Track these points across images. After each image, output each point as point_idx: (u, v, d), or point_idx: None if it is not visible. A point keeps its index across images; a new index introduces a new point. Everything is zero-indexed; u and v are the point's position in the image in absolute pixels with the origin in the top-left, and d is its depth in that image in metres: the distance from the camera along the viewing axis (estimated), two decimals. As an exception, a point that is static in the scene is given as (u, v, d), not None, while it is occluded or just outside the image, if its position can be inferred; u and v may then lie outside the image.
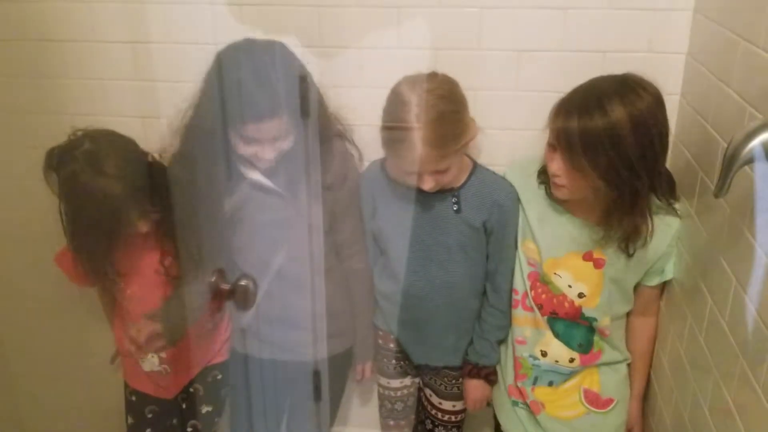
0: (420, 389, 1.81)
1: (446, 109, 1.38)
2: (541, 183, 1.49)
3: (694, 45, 1.47)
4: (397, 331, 1.69)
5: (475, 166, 1.55)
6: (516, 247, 1.55)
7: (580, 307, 1.49)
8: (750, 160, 0.89)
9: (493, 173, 1.57)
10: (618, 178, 1.28)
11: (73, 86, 1.71)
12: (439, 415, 1.76)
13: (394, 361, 1.75)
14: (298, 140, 1.44)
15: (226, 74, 1.39)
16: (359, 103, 1.58)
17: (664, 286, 1.54)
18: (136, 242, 1.58)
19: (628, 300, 1.53)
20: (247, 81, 1.36)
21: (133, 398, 1.78)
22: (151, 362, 1.70)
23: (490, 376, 1.66)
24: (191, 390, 1.77)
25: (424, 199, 1.50)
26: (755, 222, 1.09)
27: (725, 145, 0.98)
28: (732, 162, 0.90)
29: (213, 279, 1.30)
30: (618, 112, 1.25)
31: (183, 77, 1.59)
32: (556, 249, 1.48)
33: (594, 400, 1.56)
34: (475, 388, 1.68)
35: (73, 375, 2.08)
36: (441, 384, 1.72)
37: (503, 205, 1.52)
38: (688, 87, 1.49)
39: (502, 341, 1.64)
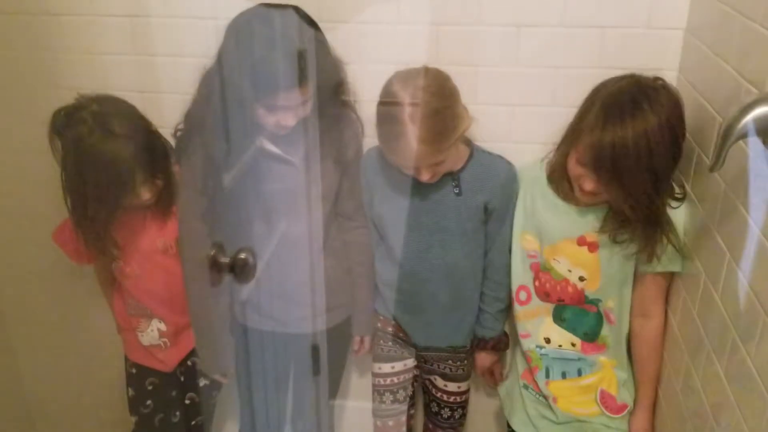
0: (422, 378, 1.82)
1: (439, 105, 1.39)
2: (553, 180, 1.50)
3: (693, 21, 1.47)
4: (400, 315, 1.70)
5: (473, 148, 1.56)
6: (512, 224, 1.57)
7: (582, 291, 1.50)
8: (744, 135, 0.90)
9: (491, 154, 1.58)
10: (645, 192, 1.31)
11: (71, 60, 1.71)
12: (445, 397, 1.79)
13: (390, 344, 1.76)
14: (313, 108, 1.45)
15: (244, 46, 1.37)
16: (359, 79, 1.59)
17: (670, 286, 1.50)
18: (138, 219, 1.59)
19: (629, 277, 1.51)
20: (271, 51, 1.36)
21: (134, 371, 1.81)
22: (151, 336, 1.72)
23: (496, 345, 1.70)
24: (189, 363, 1.79)
25: (424, 183, 1.51)
26: (749, 197, 1.10)
27: (722, 121, 0.99)
28: (727, 136, 0.92)
29: (212, 253, 1.31)
30: (650, 118, 1.26)
31: (182, 51, 1.60)
32: (551, 236, 1.50)
33: (609, 403, 1.55)
34: (482, 358, 1.74)
35: (74, 348, 2.10)
36: (445, 367, 1.74)
37: (504, 185, 1.54)
38: (685, 63, 1.50)
39: (502, 311, 1.67)
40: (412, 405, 1.86)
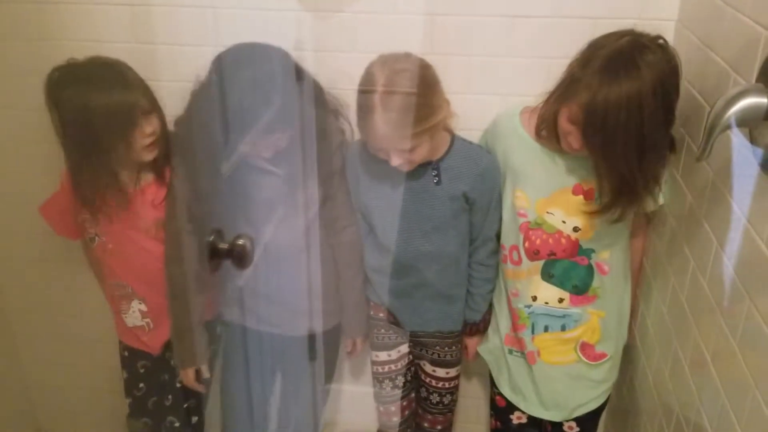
0: (413, 363, 1.84)
1: (411, 91, 1.39)
2: (542, 133, 1.48)
3: (684, 12, 1.49)
4: (389, 301, 1.72)
5: (454, 138, 1.57)
6: (500, 211, 1.59)
7: (577, 241, 1.52)
8: (729, 126, 0.93)
9: (471, 144, 1.60)
10: (626, 160, 1.30)
11: (70, 48, 1.71)
12: (433, 382, 1.80)
13: (383, 331, 1.78)
14: (295, 134, 1.48)
15: (227, 86, 1.41)
16: (354, 68, 1.60)
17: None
18: (124, 196, 1.60)
19: (624, 228, 1.54)
20: (246, 99, 1.39)
21: (126, 353, 1.84)
22: (134, 317, 1.74)
23: (486, 326, 1.73)
24: None
25: (405, 174, 1.53)
26: (734, 186, 1.13)
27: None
28: (713, 127, 0.94)
29: (211, 238, 1.33)
30: (646, 81, 1.23)
31: (182, 41, 1.61)
32: (544, 190, 1.51)
33: (588, 352, 1.61)
34: (474, 343, 1.77)
35: (73, 331, 2.11)
36: (434, 353, 1.76)
37: (484, 174, 1.55)
38: (677, 53, 1.51)
39: (490, 291, 1.69)
40: (413, 389, 1.89)
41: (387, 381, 1.83)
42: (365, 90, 1.42)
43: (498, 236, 1.62)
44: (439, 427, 1.88)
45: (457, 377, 1.82)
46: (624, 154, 1.29)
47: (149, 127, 1.54)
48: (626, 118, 1.24)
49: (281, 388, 1.81)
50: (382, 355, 1.80)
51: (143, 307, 1.73)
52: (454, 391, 1.83)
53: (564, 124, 1.37)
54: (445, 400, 1.83)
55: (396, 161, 1.45)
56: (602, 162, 1.33)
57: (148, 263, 1.67)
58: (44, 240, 1.82)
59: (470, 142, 1.60)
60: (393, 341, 1.79)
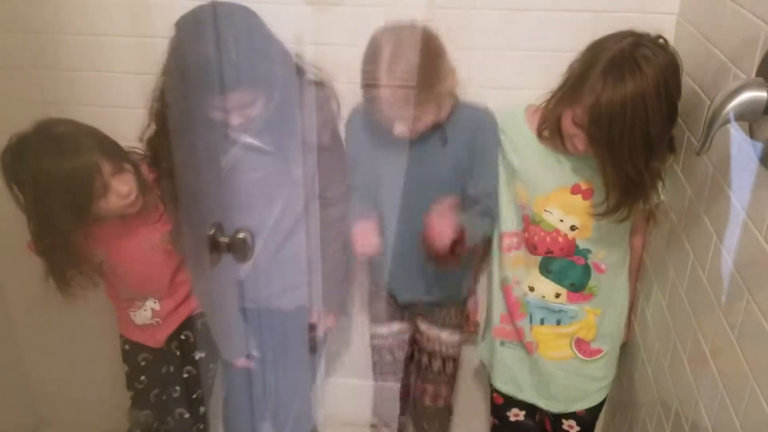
0: (412, 336, 1.84)
1: (416, 60, 1.39)
2: (544, 134, 1.48)
3: (685, 5, 1.49)
4: (390, 273, 1.71)
5: (457, 100, 1.56)
6: (497, 170, 1.59)
7: (574, 240, 1.53)
8: (729, 120, 0.93)
9: (474, 105, 1.59)
10: (632, 161, 1.30)
11: (68, 41, 1.71)
12: (435, 346, 1.79)
13: (383, 304, 1.78)
14: (281, 101, 1.45)
15: (187, 47, 1.37)
16: (354, 62, 1.60)
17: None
18: (118, 227, 1.59)
19: (621, 227, 1.54)
20: (207, 53, 1.34)
21: (127, 347, 1.84)
22: (144, 316, 1.75)
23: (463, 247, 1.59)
24: (182, 337, 1.82)
25: (411, 141, 1.52)
26: (734, 180, 1.13)
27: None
28: (713, 121, 0.94)
29: (211, 232, 1.33)
30: (649, 81, 1.24)
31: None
32: (543, 187, 1.51)
33: (583, 347, 1.62)
34: (448, 224, 1.49)
35: (73, 323, 2.12)
36: (435, 314, 1.76)
37: (483, 126, 1.56)
38: (678, 47, 1.49)
39: (489, 210, 1.63)
40: (410, 374, 1.89)
41: (386, 352, 1.83)
42: (371, 56, 1.42)
43: (497, 195, 1.61)
44: (441, 403, 1.85)
45: (458, 345, 1.80)
46: (630, 154, 1.29)
47: (125, 187, 1.49)
48: (631, 119, 1.25)
49: (279, 364, 1.80)
50: (382, 329, 1.81)
51: (156, 306, 1.74)
52: (456, 358, 1.82)
53: (568, 126, 1.38)
54: (448, 369, 1.82)
55: (399, 128, 1.45)
56: (609, 163, 1.33)
57: (160, 274, 1.69)
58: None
59: (472, 104, 1.59)
60: (392, 314, 1.80)
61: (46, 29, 1.71)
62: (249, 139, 1.51)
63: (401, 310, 1.80)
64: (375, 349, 1.86)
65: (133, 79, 1.65)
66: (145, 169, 1.58)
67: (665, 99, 1.26)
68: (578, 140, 1.37)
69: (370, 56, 1.43)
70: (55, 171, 1.41)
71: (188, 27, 1.39)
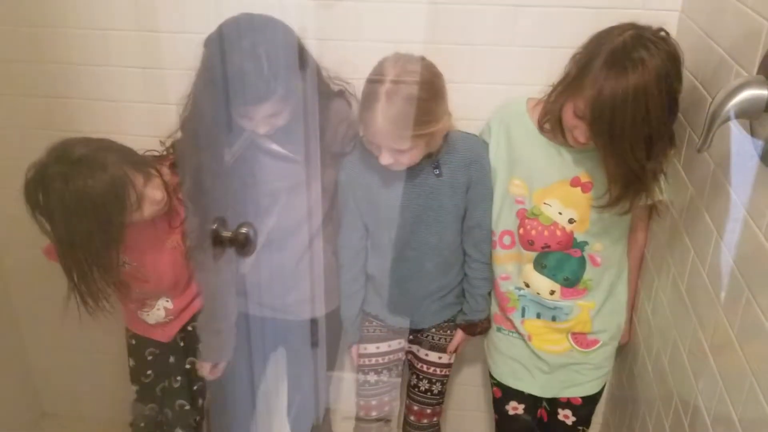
0: (405, 355, 1.84)
1: (418, 94, 1.39)
2: (545, 127, 1.49)
3: (688, 3, 1.49)
4: (386, 302, 1.72)
5: (449, 131, 1.56)
6: (491, 200, 1.60)
7: (572, 233, 1.53)
8: (729, 118, 0.93)
9: (465, 133, 1.60)
10: (634, 153, 1.30)
11: (74, 36, 1.72)
12: (424, 367, 1.79)
13: (374, 323, 1.78)
14: (300, 110, 1.47)
15: (225, 55, 1.39)
16: (357, 57, 1.60)
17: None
18: (143, 232, 1.59)
19: (619, 221, 1.55)
20: (242, 65, 1.37)
21: (133, 341, 1.84)
22: (157, 315, 1.76)
23: (483, 328, 1.73)
24: (189, 328, 1.82)
25: (406, 170, 1.53)
26: (734, 177, 1.13)
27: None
28: (713, 119, 0.95)
29: (214, 227, 1.34)
30: (650, 73, 1.24)
31: (186, 28, 1.61)
32: (543, 180, 1.52)
33: (580, 339, 1.63)
34: (466, 340, 1.77)
35: (77, 318, 2.12)
36: (428, 336, 1.77)
37: (479, 161, 1.56)
38: (680, 44, 1.51)
39: (490, 291, 1.71)
40: (396, 388, 1.86)
41: (372, 374, 1.81)
42: (373, 80, 1.43)
43: (490, 226, 1.63)
44: (425, 421, 1.83)
45: (449, 366, 1.80)
46: (632, 147, 1.30)
47: (158, 193, 1.51)
48: (633, 111, 1.25)
49: (284, 373, 1.82)
50: (371, 348, 1.79)
51: (169, 305, 1.75)
52: (444, 380, 1.81)
53: (570, 119, 1.38)
54: (435, 389, 1.80)
55: (386, 160, 1.45)
56: (611, 155, 1.34)
57: (182, 273, 1.70)
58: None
59: (464, 132, 1.61)
60: (384, 335, 1.78)
61: (50, 23, 1.72)
62: (274, 146, 1.53)
63: (393, 332, 1.79)
64: (361, 369, 1.82)
65: (137, 74, 1.66)
66: (166, 170, 1.60)
67: (666, 91, 1.26)
68: (579, 132, 1.37)
69: (373, 79, 1.43)
70: (89, 192, 1.39)
71: (224, 37, 1.40)
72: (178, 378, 1.87)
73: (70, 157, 1.42)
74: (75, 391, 2.29)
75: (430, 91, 1.42)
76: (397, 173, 1.53)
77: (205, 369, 1.72)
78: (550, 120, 1.45)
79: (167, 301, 1.74)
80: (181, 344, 1.84)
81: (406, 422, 1.88)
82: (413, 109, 1.39)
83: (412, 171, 1.54)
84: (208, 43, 1.42)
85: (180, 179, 1.60)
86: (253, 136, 1.50)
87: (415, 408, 1.83)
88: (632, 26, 1.31)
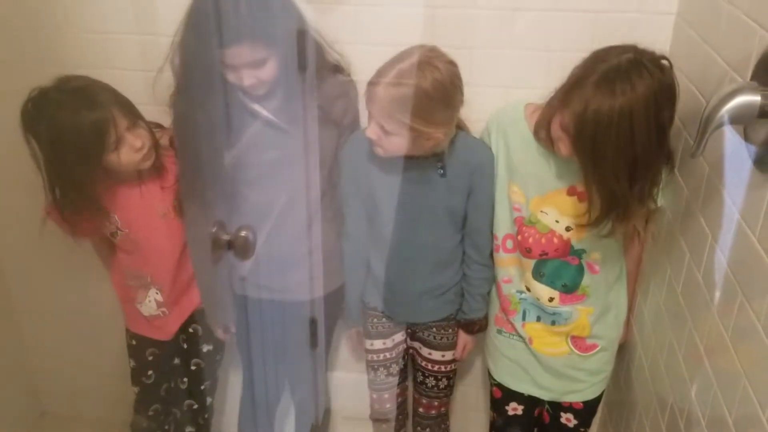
0: (408, 348, 1.86)
1: (426, 86, 1.39)
2: (540, 135, 1.49)
3: (683, 5, 1.50)
4: (385, 297, 1.73)
5: (458, 131, 1.58)
6: (494, 205, 1.61)
7: (569, 240, 1.54)
8: (723, 124, 0.94)
9: (473, 137, 1.62)
10: (616, 177, 1.30)
11: (73, 39, 1.73)
12: (429, 365, 1.81)
13: (378, 320, 1.79)
14: (294, 78, 1.45)
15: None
16: (355, 60, 1.62)
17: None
18: (134, 188, 1.62)
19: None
20: (219, 4, 1.37)
21: (134, 342, 1.85)
22: (149, 307, 1.76)
23: (481, 327, 1.75)
24: (191, 330, 1.84)
25: (410, 165, 1.54)
26: (728, 181, 1.14)
27: (707, 107, 1.03)
28: (707, 124, 0.96)
29: (214, 230, 1.35)
30: (639, 98, 1.23)
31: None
32: (540, 188, 1.53)
33: (579, 344, 1.64)
34: (470, 341, 1.78)
35: (77, 319, 2.14)
36: (429, 335, 1.78)
37: (483, 166, 1.57)
38: (676, 48, 1.53)
39: (490, 291, 1.72)
40: (405, 378, 1.91)
41: (382, 369, 1.85)
42: (398, 57, 1.43)
43: (491, 228, 1.64)
44: (434, 412, 1.88)
45: (453, 361, 1.82)
46: (613, 169, 1.29)
47: (138, 141, 1.54)
48: (616, 134, 1.25)
49: (283, 359, 1.83)
50: (377, 344, 1.82)
51: (159, 297, 1.75)
52: (450, 375, 1.84)
53: (555, 129, 1.39)
54: (441, 384, 1.84)
55: (370, 132, 1.46)
56: (591, 174, 1.33)
57: (168, 248, 1.70)
58: (49, 225, 1.84)
59: (475, 138, 1.62)
60: (388, 329, 1.81)
61: (52, 24, 1.73)
62: (264, 112, 1.52)
63: (396, 324, 1.81)
64: (371, 365, 1.86)
65: (137, 77, 1.66)
66: (167, 138, 1.65)
67: (654, 120, 1.25)
68: (563, 144, 1.38)
69: (396, 57, 1.44)
70: (71, 122, 1.46)
71: None
72: (185, 379, 1.88)
73: (67, 86, 1.50)
74: (74, 391, 2.30)
75: (441, 93, 1.41)
76: (399, 163, 1.54)
77: (219, 333, 1.80)
78: (543, 128, 1.46)
79: (156, 293, 1.74)
80: (184, 346, 1.86)
81: (415, 414, 1.92)
82: (416, 98, 1.39)
83: (416, 165, 1.55)
84: None
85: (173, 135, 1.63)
86: (244, 99, 1.49)
87: (424, 401, 1.88)
88: (633, 49, 1.29)
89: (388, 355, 1.83)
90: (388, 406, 1.89)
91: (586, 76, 1.29)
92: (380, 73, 1.43)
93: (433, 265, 1.66)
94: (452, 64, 1.44)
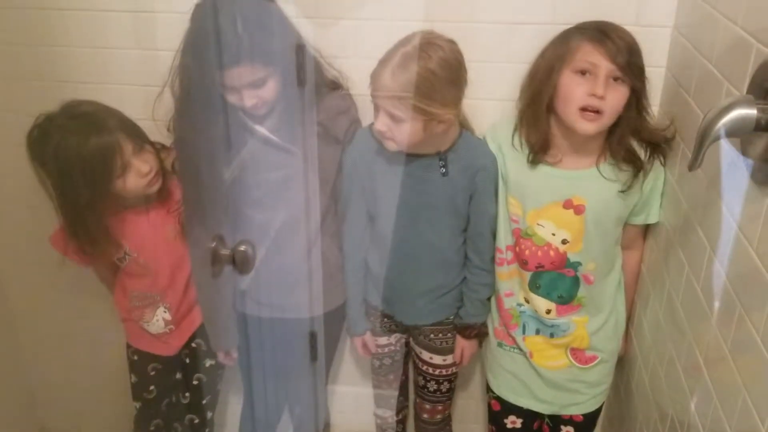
0: (410, 348, 1.87)
1: (432, 66, 1.39)
2: (536, 150, 1.51)
3: (680, 18, 1.51)
4: (384, 295, 1.74)
5: (461, 131, 1.59)
6: (496, 209, 1.61)
7: (565, 253, 1.54)
8: (719, 137, 0.95)
9: (477, 138, 1.62)
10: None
11: (73, 55, 1.73)
12: (430, 369, 1.81)
13: (377, 320, 1.80)
14: (293, 96, 1.47)
15: (206, 20, 1.42)
16: (353, 74, 1.63)
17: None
18: (141, 215, 1.63)
19: (612, 242, 1.57)
20: (217, 26, 1.39)
21: (135, 357, 1.85)
22: (157, 325, 1.76)
23: (481, 333, 1.75)
24: (193, 345, 1.84)
25: (413, 163, 1.54)
26: (726, 194, 1.15)
27: (704, 120, 1.03)
28: (703, 138, 0.96)
29: (213, 245, 1.35)
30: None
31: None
32: (536, 200, 1.53)
33: (578, 356, 1.64)
34: (467, 346, 1.77)
35: (77, 334, 2.13)
36: (431, 340, 1.77)
37: (487, 169, 1.57)
38: (672, 60, 1.54)
39: (490, 297, 1.71)
40: (406, 379, 1.93)
41: (387, 358, 1.87)
42: (398, 44, 1.44)
43: (493, 234, 1.64)
44: (438, 417, 1.89)
45: (454, 364, 1.82)
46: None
47: (145, 166, 1.54)
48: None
49: (283, 375, 1.83)
50: (382, 340, 1.83)
51: (168, 316, 1.75)
52: (452, 378, 1.84)
53: (568, 83, 1.41)
54: (443, 388, 1.84)
55: (380, 124, 1.45)
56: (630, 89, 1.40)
57: (178, 268, 1.71)
58: (47, 243, 1.85)
59: (479, 139, 1.62)
60: (388, 328, 1.82)
61: (51, 42, 1.74)
62: (266, 132, 1.53)
63: (397, 325, 1.81)
64: (375, 356, 1.88)
65: (138, 92, 1.67)
66: (170, 160, 1.65)
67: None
68: (595, 83, 1.38)
69: (401, 42, 1.44)
70: (78, 148, 1.46)
71: (202, 5, 1.43)
72: (186, 394, 1.88)
73: (73, 112, 1.51)
74: (74, 407, 2.29)
75: (448, 71, 1.41)
76: (401, 161, 1.54)
77: (220, 356, 1.79)
78: (538, 138, 1.48)
79: (165, 311, 1.75)
80: (187, 360, 1.85)
81: (419, 419, 1.92)
82: (424, 78, 1.39)
83: (419, 162, 1.55)
84: (193, 14, 1.44)
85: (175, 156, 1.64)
86: (245, 119, 1.50)
87: (427, 407, 1.88)
88: None
89: (393, 348, 1.85)
90: (393, 390, 1.91)
91: (565, 36, 1.44)
92: (384, 60, 1.43)
93: (433, 265, 1.66)
94: (453, 42, 1.45)
